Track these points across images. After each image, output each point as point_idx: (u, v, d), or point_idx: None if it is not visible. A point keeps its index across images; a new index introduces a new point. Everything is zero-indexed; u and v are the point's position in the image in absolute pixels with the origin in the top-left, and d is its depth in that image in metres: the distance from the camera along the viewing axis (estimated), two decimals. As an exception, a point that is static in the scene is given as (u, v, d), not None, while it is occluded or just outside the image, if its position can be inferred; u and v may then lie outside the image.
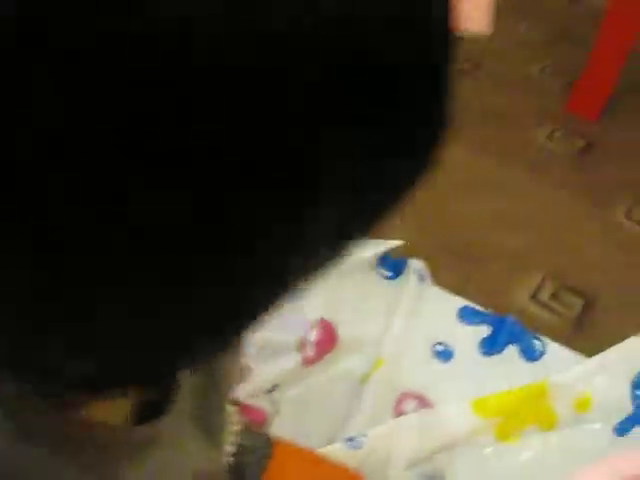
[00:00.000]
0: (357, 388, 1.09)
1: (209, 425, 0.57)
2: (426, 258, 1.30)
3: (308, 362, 1.09)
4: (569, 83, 1.87)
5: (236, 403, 0.69)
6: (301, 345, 1.09)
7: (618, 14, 1.69)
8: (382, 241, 1.26)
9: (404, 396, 1.10)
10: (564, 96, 1.85)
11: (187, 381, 0.51)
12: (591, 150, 1.72)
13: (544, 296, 1.32)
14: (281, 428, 1.03)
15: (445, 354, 1.17)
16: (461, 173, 1.58)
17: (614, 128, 1.81)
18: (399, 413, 1.08)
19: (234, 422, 0.65)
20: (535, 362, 1.19)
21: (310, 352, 1.09)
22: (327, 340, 1.11)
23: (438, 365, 1.16)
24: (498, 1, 2.29)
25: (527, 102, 1.86)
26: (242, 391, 1.05)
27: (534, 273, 1.36)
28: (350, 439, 0.99)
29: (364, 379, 1.10)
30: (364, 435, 1.00)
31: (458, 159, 1.60)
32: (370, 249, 1.25)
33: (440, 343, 1.18)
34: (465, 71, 1.94)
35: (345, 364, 1.12)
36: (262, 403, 1.06)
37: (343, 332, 1.13)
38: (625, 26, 1.70)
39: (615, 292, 1.36)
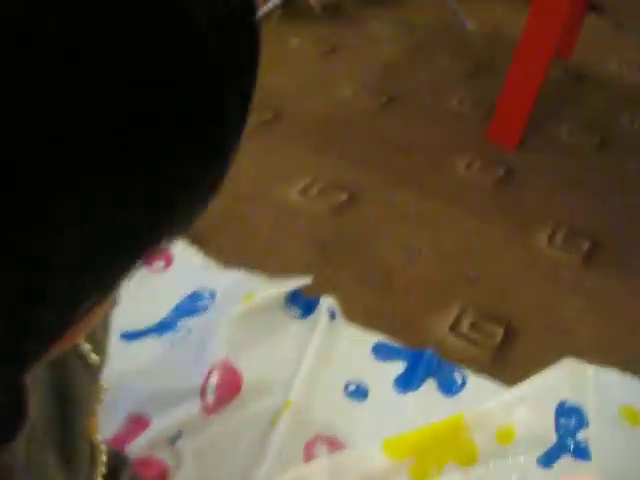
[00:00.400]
0: (264, 434, 1.03)
1: (72, 456, 0.53)
2: (342, 293, 1.25)
3: (209, 410, 1.02)
4: (488, 114, 1.86)
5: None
6: (202, 392, 1.03)
7: (530, 45, 1.69)
8: (291, 279, 1.22)
9: (315, 439, 1.04)
10: (483, 127, 1.84)
11: (41, 408, 0.47)
12: (510, 179, 1.70)
13: (463, 327, 1.27)
14: (184, 479, 0.97)
15: (359, 393, 1.12)
16: (379, 206, 1.54)
17: (532, 155, 1.79)
18: (309, 457, 1.01)
19: (102, 452, 0.59)
20: (455, 396, 1.14)
21: (210, 399, 1.02)
22: (230, 385, 1.05)
23: (352, 405, 1.10)
24: (419, 35, 2.30)
25: (446, 134, 1.85)
26: (140, 443, 0.98)
27: (453, 304, 1.32)
28: (254, 488, 0.93)
29: (272, 424, 1.04)
30: (270, 484, 0.94)
31: (376, 192, 1.57)
32: (278, 287, 1.20)
33: (353, 382, 1.13)
34: (381, 104, 1.92)
35: (251, 409, 1.05)
36: (162, 455, 0.99)
37: (249, 375, 1.07)
38: (536, 56, 1.69)
39: (537, 319, 1.33)
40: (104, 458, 0.61)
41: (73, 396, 0.51)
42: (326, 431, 1.05)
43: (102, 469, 0.60)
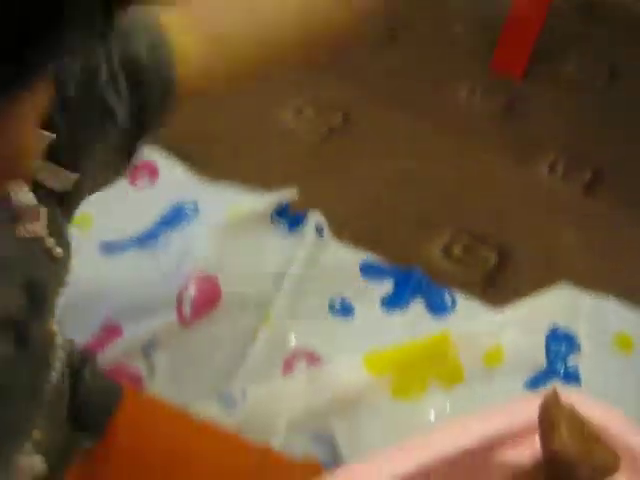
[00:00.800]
0: (242, 348, 0.99)
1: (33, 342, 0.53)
2: (331, 213, 1.21)
3: (185, 321, 0.99)
4: (492, 43, 1.80)
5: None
6: (178, 302, 0.99)
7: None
8: (277, 192, 1.17)
9: (294, 355, 1.00)
10: (487, 55, 1.78)
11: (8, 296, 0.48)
12: (512, 107, 1.65)
13: (456, 250, 1.23)
14: (157, 389, 0.94)
15: (344, 310, 1.08)
16: (374, 127, 1.50)
17: (537, 86, 1.73)
18: (288, 372, 0.98)
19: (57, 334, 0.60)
20: (444, 316, 1.10)
21: (187, 310, 0.99)
22: (208, 296, 1.01)
23: (336, 322, 1.07)
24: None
25: (448, 61, 1.78)
26: (113, 351, 0.95)
27: (446, 227, 1.28)
28: (228, 398, 0.90)
29: (251, 337, 1.00)
30: (244, 394, 0.91)
31: (372, 113, 1.52)
32: (264, 200, 1.15)
33: (338, 299, 1.09)
34: (383, 30, 1.86)
35: (230, 322, 1.02)
36: (135, 364, 0.96)
37: (229, 288, 1.03)
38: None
39: (533, 246, 1.28)
40: (60, 341, 0.60)
41: (40, 285, 0.51)
42: (307, 347, 1.02)
43: (61, 353, 0.60)
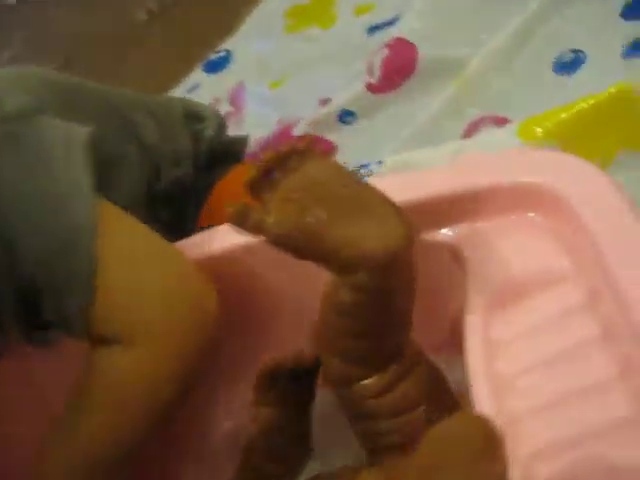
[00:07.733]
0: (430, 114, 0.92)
1: None
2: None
3: (373, 89, 0.96)
4: None
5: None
6: (368, 69, 0.96)
7: None
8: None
9: (480, 119, 0.90)
10: None
11: None
12: None
13: None
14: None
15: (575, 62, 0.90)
16: None
17: None
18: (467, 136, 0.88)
19: None
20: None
21: (373, 78, 0.95)
22: (401, 63, 0.95)
23: (558, 80, 0.90)
24: None
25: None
26: (309, 118, 0.99)
27: None
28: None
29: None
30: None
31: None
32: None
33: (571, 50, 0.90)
34: None
35: (424, 90, 0.94)
36: (330, 135, 0.98)
37: (426, 52, 0.95)
38: None
39: None
40: None
41: None
42: (498, 112, 0.89)
43: None
